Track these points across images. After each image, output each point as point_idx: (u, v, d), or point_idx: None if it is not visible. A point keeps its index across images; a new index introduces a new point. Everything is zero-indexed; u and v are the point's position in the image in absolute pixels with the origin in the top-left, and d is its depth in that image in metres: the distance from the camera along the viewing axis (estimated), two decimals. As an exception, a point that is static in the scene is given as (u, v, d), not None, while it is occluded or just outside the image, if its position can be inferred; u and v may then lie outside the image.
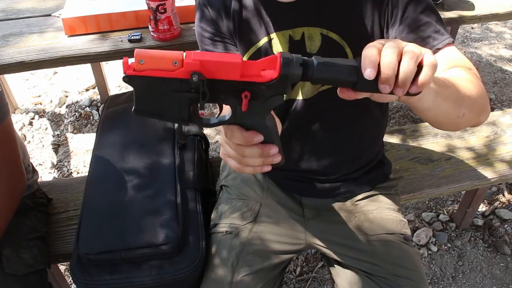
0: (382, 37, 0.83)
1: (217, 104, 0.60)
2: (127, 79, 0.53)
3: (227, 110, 0.59)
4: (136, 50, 0.53)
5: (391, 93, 0.53)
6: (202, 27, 0.91)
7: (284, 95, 0.58)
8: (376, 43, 0.54)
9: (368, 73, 0.51)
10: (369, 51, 0.52)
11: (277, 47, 0.86)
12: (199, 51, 0.58)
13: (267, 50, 0.87)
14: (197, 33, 0.93)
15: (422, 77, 0.52)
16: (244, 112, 0.57)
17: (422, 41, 0.77)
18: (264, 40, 0.87)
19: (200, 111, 0.58)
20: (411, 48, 0.52)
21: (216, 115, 0.61)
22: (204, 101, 0.54)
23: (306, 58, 0.55)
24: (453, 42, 0.81)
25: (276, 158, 0.62)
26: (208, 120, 0.60)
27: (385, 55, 0.51)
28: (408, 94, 0.54)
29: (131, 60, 0.53)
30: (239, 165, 0.65)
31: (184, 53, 0.54)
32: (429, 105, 0.64)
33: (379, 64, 0.52)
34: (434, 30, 0.79)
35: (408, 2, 0.79)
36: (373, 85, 0.53)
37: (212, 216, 1.08)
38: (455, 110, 0.70)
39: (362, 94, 0.56)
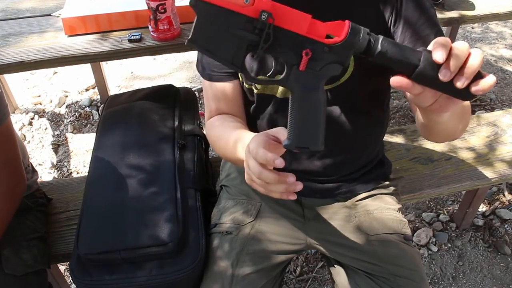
0: None
1: (273, 61, 0.59)
2: (194, 2, 0.52)
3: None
4: None
5: (449, 87, 0.53)
6: None
7: (342, 67, 0.56)
8: (447, 38, 0.55)
9: (439, 55, 0.52)
10: (443, 39, 0.53)
11: None
12: None
13: None
14: None
15: (487, 81, 0.53)
16: (299, 74, 0.56)
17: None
18: None
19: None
20: (478, 50, 0.54)
21: (268, 74, 0.60)
22: (265, 45, 0.53)
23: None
24: None
25: (298, 186, 0.63)
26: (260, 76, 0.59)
27: (459, 44, 0.53)
28: (465, 95, 0.54)
29: None
30: (265, 190, 0.68)
31: None
32: (444, 119, 0.66)
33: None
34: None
35: (412, 14, 0.80)
36: (432, 75, 0.53)
37: (212, 216, 1.08)
38: (457, 124, 0.75)
39: (415, 87, 0.56)
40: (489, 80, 0.53)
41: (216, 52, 0.55)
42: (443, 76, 0.53)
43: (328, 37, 0.55)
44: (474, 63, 0.52)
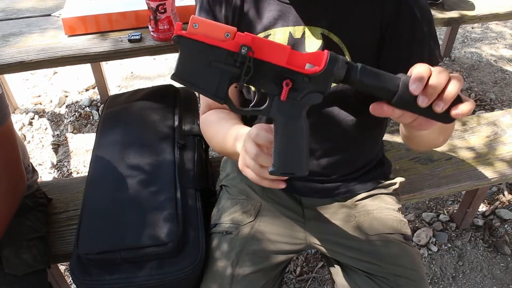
0: (378, 49, 0.84)
1: (256, 92, 0.60)
2: (177, 39, 0.54)
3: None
4: (192, 16, 0.54)
5: (429, 111, 0.55)
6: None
7: (323, 95, 0.58)
8: (425, 65, 0.56)
9: (415, 88, 0.53)
10: (421, 68, 0.54)
11: None
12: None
13: None
14: None
15: (466, 106, 0.55)
16: (280, 104, 0.57)
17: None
18: (260, 36, 0.86)
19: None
20: (457, 75, 0.56)
21: (251, 104, 0.62)
22: (246, 77, 0.55)
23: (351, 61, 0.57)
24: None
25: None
26: (242, 107, 0.61)
27: (437, 71, 0.54)
28: (445, 118, 0.56)
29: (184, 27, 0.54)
30: (256, 176, 0.67)
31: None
32: (424, 133, 0.68)
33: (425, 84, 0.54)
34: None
35: (411, 19, 0.80)
36: (411, 101, 0.54)
37: (212, 216, 1.08)
38: (438, 136, 0.78)
39: (395, 112, 0.57)
40: (468, 105, 0.55)
41: (199, 85, 0.57)
42: (421, 102, 0.54)
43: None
44: (452, 89, 0.54)
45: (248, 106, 0.98)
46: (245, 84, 0.57)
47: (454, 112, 0.55)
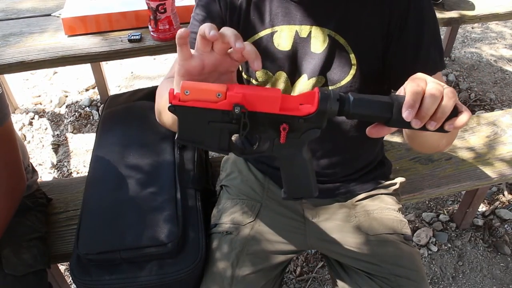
0: (384, 52, 0.84)
1: (256, 135, 0.63)
2: (172, 108, 0.56)
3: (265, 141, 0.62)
4: (182, 81, 0.56)
5: (423, 127, 0.56)
6: (197, 11, 0.89)
7: (320, 129, 0.60)
8: (419, 81, 0.56)
9: (407, 115, 0.54)
10: (413, 90, 0.55)
11: (279, 41, 0.86)
12: (240, 84, 0.61)
13: (268, 42, 0.86)
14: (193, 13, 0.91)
15: (461, 120, 0.56)
16: (281, 145, 0.60)
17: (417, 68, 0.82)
18: (266, 32, 0.86)
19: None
20: (451, 91, 0.56)
21: (255, 146, 0.64)
22: (245, 132, 0.57)
23: (342, 94, 0.57)
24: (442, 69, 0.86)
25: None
26: (247, 150, 0.64)
27: (429, 94, 0.54)
28: (440, 130, 0.57)
29: (176, 91, 0.57)
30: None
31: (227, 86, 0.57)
32: (426, 133, 0.69)
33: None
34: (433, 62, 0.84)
35: (416, 25, 0.80)
36: (405, 122, 0.56)
37: (212, 216, 1.08)
38: (440, 139, 0.78)
39: (392, 130, 0.59)
40: (463, 118, 0.56)
41: (203, 143, 0.60)
42: (415, 125, 0.55)
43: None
44: (445, 108, 0.55)
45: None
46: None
47: (447, 127, 0.56)
